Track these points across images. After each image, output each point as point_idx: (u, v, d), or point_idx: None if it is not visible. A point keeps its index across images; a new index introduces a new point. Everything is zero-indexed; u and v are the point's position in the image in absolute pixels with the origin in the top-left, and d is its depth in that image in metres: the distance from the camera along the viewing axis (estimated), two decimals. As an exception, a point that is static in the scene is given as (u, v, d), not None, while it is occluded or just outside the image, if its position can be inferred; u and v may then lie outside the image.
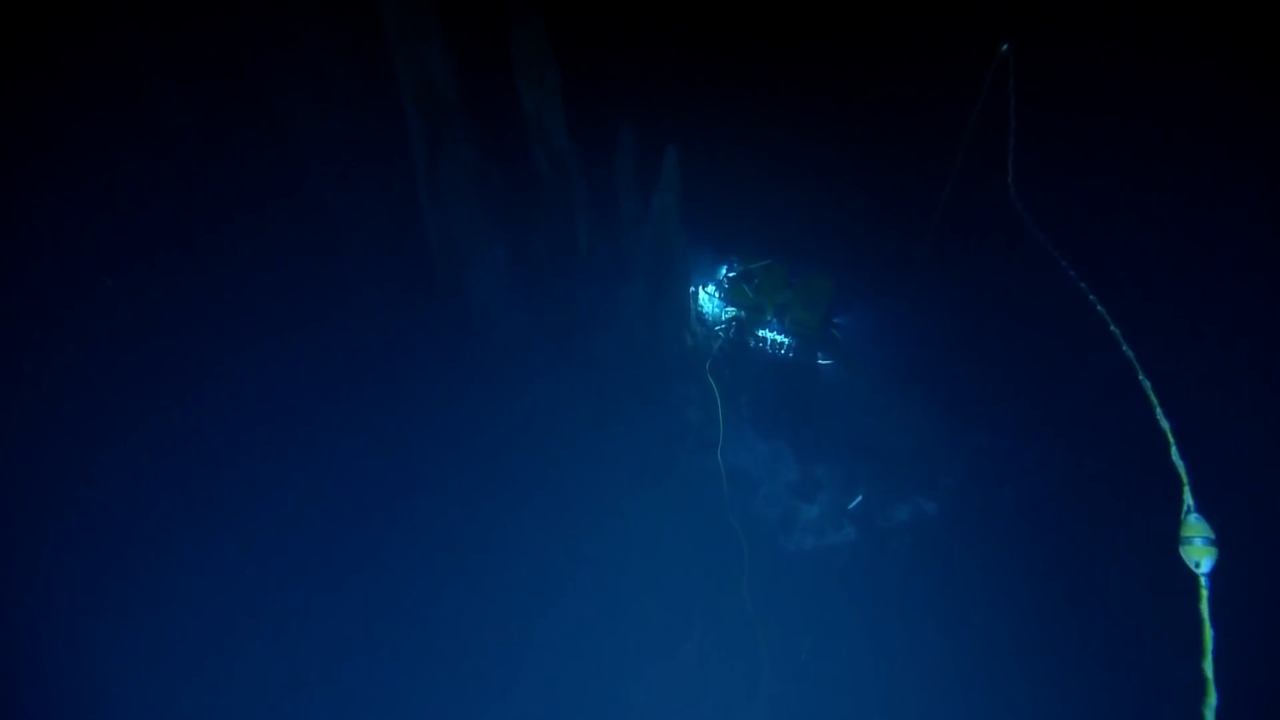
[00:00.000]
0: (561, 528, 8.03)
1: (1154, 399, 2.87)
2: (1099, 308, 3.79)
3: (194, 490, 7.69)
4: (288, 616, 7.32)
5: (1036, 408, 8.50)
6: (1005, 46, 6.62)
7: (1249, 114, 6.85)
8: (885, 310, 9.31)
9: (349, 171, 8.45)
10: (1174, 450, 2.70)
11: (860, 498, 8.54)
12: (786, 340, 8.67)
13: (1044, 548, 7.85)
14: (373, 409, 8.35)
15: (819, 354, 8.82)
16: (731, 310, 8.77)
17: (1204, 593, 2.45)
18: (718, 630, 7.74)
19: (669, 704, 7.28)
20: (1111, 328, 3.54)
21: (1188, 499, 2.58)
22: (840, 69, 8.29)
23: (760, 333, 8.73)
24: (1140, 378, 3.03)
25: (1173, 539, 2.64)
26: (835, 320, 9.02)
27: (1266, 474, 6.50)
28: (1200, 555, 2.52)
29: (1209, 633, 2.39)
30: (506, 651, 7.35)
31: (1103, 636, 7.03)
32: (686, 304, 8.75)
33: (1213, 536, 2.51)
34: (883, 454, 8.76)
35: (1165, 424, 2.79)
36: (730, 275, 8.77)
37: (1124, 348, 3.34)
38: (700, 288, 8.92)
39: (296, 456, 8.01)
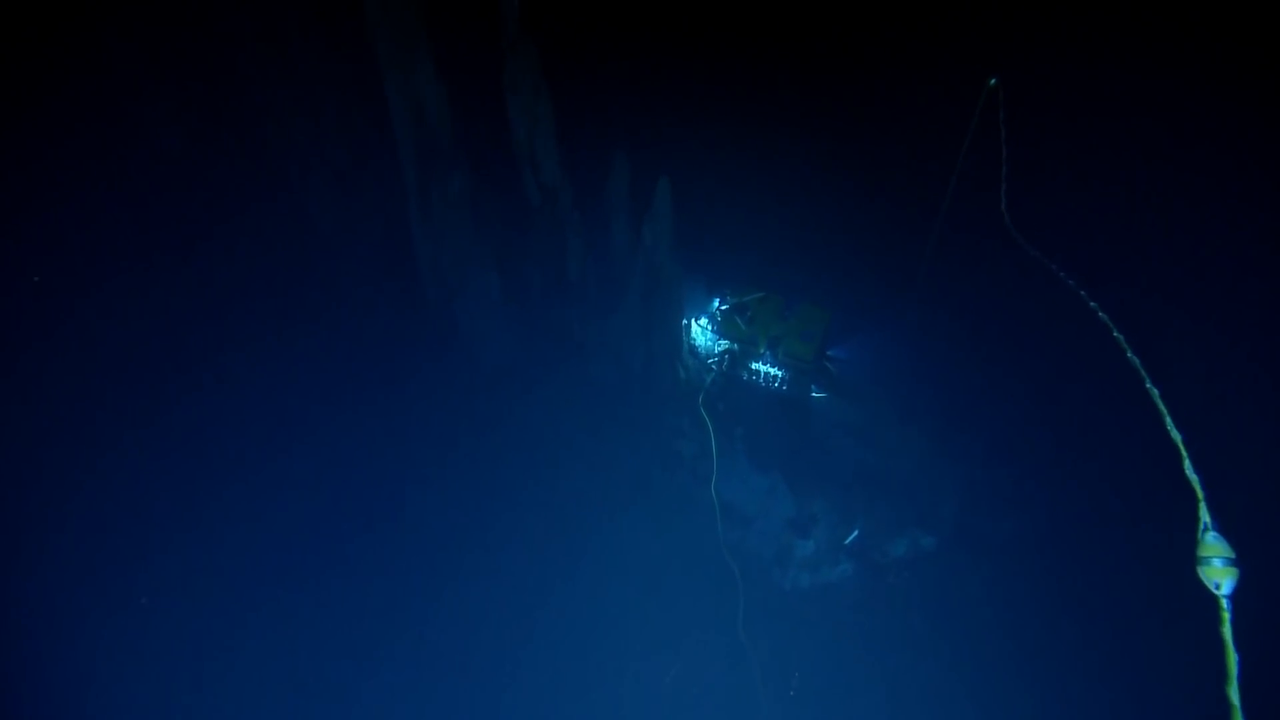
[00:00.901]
0: (553, 561, 7.85)
1: (1163, 407, 2.76)
2: (1100, 314, 3.70)
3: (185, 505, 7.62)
4: (271, 630, 7.21)
5: (1035, 438, 8.40)
6: (993, 80, 6.71)
7: (1246, 129, 6.88)
8: (880, 342, 9.27)
9: (341, 199, 8.44)
10: (1187, 464, 2.59)
11: (857, 532, 8.38)
12: (780, 373, 8.59)
13: (1046, 580, 7.70)
14: (361, 438, 8.23)
15: (813, 387, 8.73)
16: (724, 343, 8.70)
17: (1226, 615, 2.31)
18: (712, 667, 7.53)
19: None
20: (1114, 334, 3.45)
21: (1204, 516, 2.46)
22: (834, 102, 8.38)
23: (754, 366, 8.65)
24: (1147, 385, 2.93)
25: (1188, 560, 2.51)
26: (829, 353, 8.98)
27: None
28: (1220, 576, 2.38)
29: (1233, 657, 2.25)
30: (488, 686, 7.14)
31: (1115, 669, 6.84)
32: (679, 336, 8.68)
33: (1233, 555, 2.38)
34: (879, 487, 8.63)
35: (1176, 435, 2.68)
36: (723, 308, 8.73)
37: (1128, 354, 3.24)
38: (693, 320, 8.87)
39: (286, 486, 7.88)
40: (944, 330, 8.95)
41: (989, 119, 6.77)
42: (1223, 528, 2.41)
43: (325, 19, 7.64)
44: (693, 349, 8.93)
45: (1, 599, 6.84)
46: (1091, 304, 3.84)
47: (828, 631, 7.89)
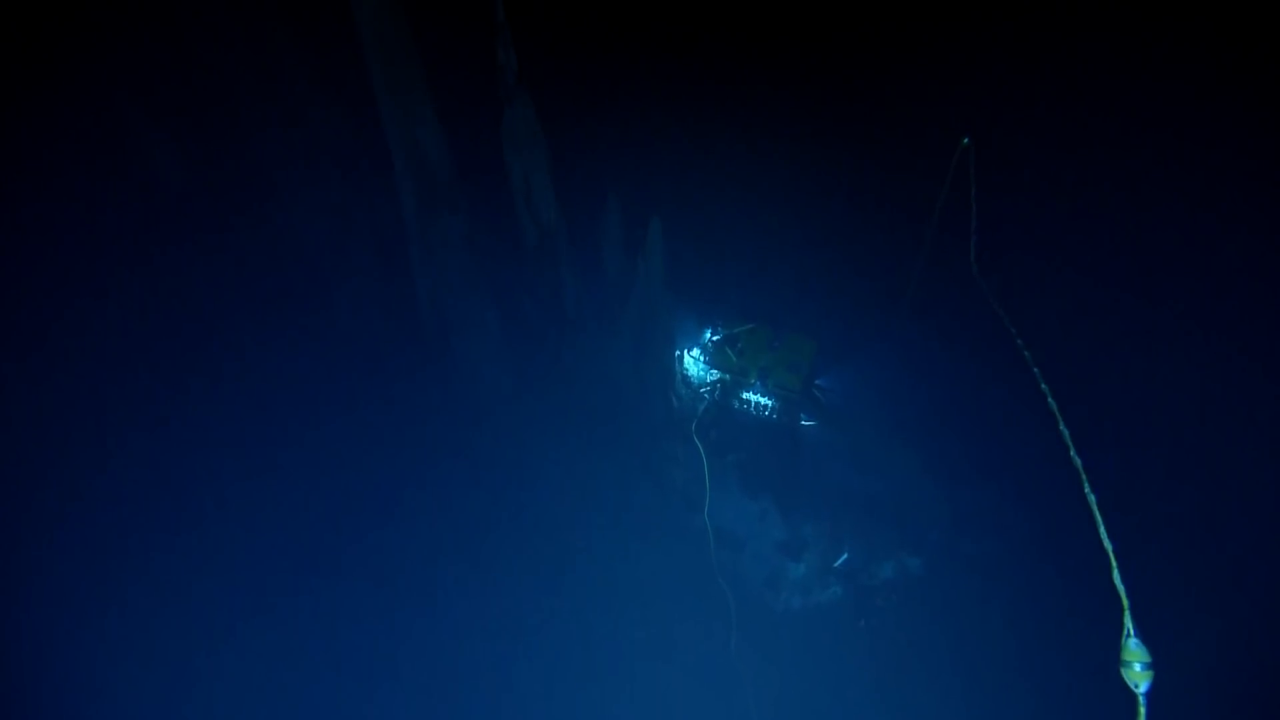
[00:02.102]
0: (549, 585, 8.12)
1: (1098, 516, 3.02)
2: (1050, 401, 3.95)
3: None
4: (265, 636, 7.52)
5: (1020, 463, 8.64)
6: (966, 140, 6.95)
7: (1219, 192, 7.15)
8: (866, 371, 9.52)
9: (341, 240, 8.67)
10: (1115, 573, 2.86)
11: (846, 555, 8.66)
12: (770, 402, 8.86)
13: (1030, 604, 7.95)
14: (359, 467, 8.49)
15: (802, 415, 9.00)
16: (715, 373, 8.96)
17: (1142, 711, 2.60)
18: (705, 687, 7.80)
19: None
20: (1060, 427, 3.70)
21: (1128, 623, 2.74)
22: (818, 143, 8.61)
23: (744, 395, 8.92)
24: (1085, 490, 3.19)
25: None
26: (817, 382, 9.24)
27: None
28: (1139, 679, 2.67)
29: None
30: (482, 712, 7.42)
31: (1097, 693, 7.08)
32: (672, 367, 8.94)
33: (1149, 660, 2.66)
34: (867, 511, 8.90)
35: (1108, 544, 2.95)
36: (714, 339, 8.99)
37: (1071, 452, 3.49)
38: (685, 351, 9.12)
39: (287, 510, 8.16)
40: (928, 358, 9.20)
41: (963, 178, 7.01)
42: (1143, 634, 2.70)
43: (328, 73, 7.86)
44: (685, 379, 9.18)
45: (1, 599, 7.03)
46: (1050, 400, 4.08)
47: (819, 651, 8.17)
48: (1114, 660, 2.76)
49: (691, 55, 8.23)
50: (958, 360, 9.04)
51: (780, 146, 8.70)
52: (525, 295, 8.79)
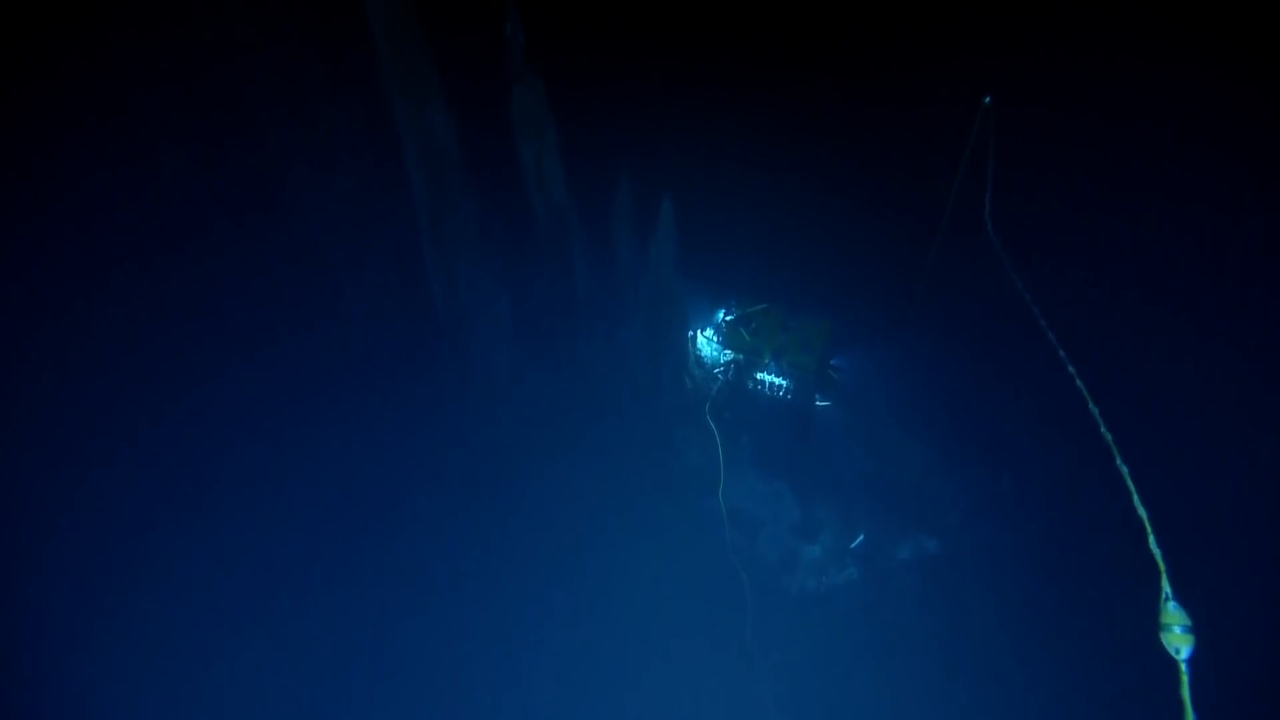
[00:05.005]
0: (562, 569, 8.12)
1: (1131, 485, 2.96)
2: (1077, 382, 3.88)
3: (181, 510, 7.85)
4: (272, 635, 7.52)
5: (1040, 445, 8.55)
6: (988, 99, 6.84)
7: (1238, 157, 6.99)
8: (882, 350, 9.44)
9: (353, 226, 8.64)
10: (1151, 539, 2.80)
11: (862, 537, 8.63)
12: (784, 383, 8.79)
13: (1048, 587, 7.89)
14: (371, 455, 8.48)
15: (817, 395, 8.93)
16: (729, 354, 8.89)
17: (1184, 678, 2.54)
18: (721, 669, 7.80)
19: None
20: (1091, 407, 3.63)
21: (1166, 587, 2.68)
22: (833, 117, 8.49)
23: (758, 375, 8.85)
24: (1118, 462, 3.13)
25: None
26: (833, 362, 9.16)
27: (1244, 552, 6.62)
28: (1180, 642, 2.61)
29: (1191, 717, 2.47)
30: (498, 694, 7.45)
31: (1113, 679, 7.05)
32: (685, 348, 8.89)
33: (1190, 624, 2.60)
34: (883, 493, 8.86)
35: (1143, 511, 2.89)
36: (728, 319, 8.91)
37: (1101, 429, 3.43)
38: (698, 332, 9.06)
39: (296, 499, 8.16)
40: (946, 338, 9.10)
41: (984, 133, 6.91)
42: (1181, 598, 2.64)
43: (336, 58, 7.80)
44: (699, 360, 9.13)
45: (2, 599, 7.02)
46: (1071, 370, 4.01)
47: (834, 634, 8.15)
48: (1151, 631, 2.69)
49: (702, 31, 8.12)
50: (975, 340, 8.94)
51: (794, 123, 8.58)
52: (537, 280, 8.76)
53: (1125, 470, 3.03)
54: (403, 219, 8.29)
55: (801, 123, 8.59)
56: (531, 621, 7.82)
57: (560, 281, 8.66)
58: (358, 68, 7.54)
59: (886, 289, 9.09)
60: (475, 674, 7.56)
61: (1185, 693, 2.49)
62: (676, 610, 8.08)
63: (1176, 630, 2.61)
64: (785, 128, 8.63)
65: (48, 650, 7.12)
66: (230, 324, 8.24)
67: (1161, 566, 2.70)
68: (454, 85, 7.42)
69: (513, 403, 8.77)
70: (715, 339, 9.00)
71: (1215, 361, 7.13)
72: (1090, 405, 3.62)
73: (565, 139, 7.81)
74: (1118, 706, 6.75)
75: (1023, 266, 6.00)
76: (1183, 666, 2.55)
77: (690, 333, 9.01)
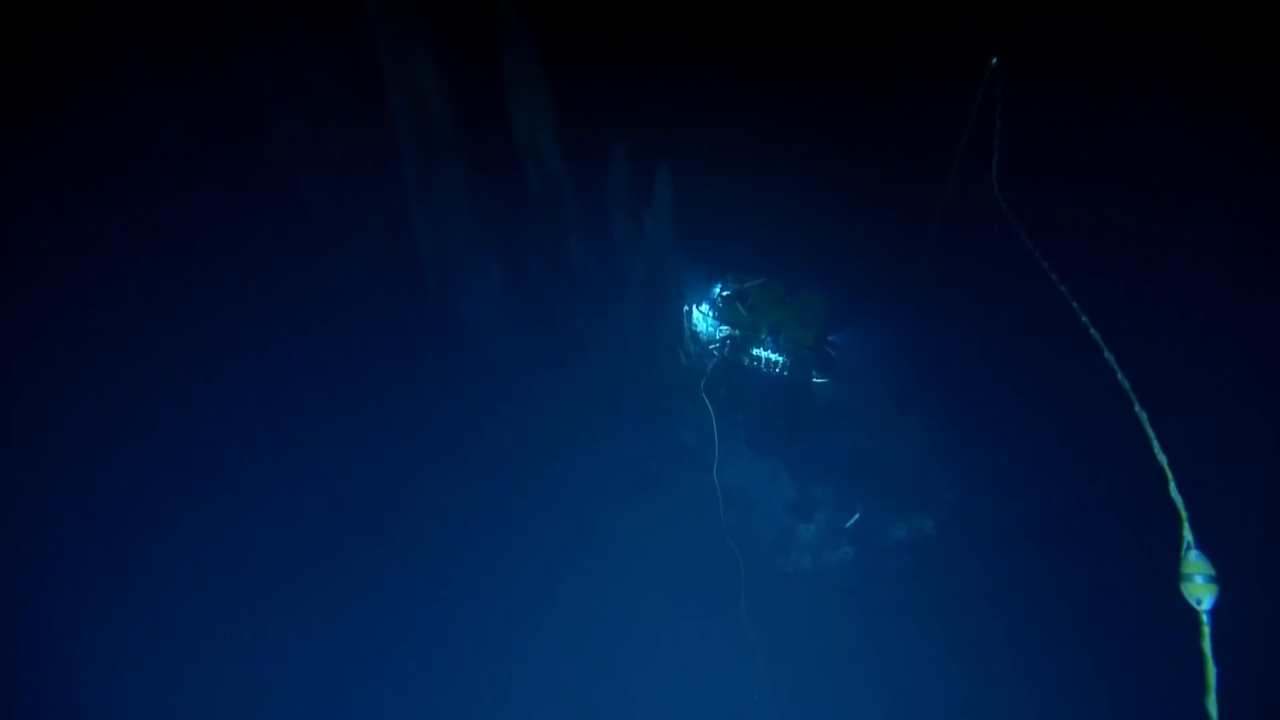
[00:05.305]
0: (554, 549, 7.98)
1: (1150, 431, 2.83)
2: (1092, 332, 3.74)
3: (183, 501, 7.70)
4: (274, 629, 7.34)
5: (1038, 425, 8.45)
6: (995, 60, 6.69)
7: (1246, 118, 6.85)
8: (881, 328, 9.31)
9: (342, 193, 8.45)
10: (1172, 485, 2.66)
11: (858, 516, 8.50)
12: (781, 359, 8.65)
13: (1045, 568, 7.79)
14: (364, 428, 8.31)
15: (814, 372, 8.80)
16: (726, 329, 8.75)
17: (1206, 630, 2.40)
18: (715, 649, 7.69)
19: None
20: (1106, 354, 3.49)
21: (1187, 535, 2.54)
22: (834, 89, 8.33)
23: (755, 351, 8.71)
24: (1136, 409, 2.99)
25: (1175, 564, 2.60)
26: (830, 339, 9.02)
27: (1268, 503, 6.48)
28: (1201, 592, 2.48)
29: (1212, 670, 2.35)
30: (492, 675, 7.29)
31: (1106, 660, 6.96)
32: (680, 323, 8.74)
33: (1213, 573, 2.47)
34: (880, 472, 8.73)
35: (1163, 458, 2.75)
36: (724, 294, 8.76)
37: (1119, 375, 3.29)
38: (694, 307, 8.92)
39: (287, 482, 7.98)
40: (944, 316, 8.97)
41: (989, 101, 6.76)
42: (1204, 546, 2.50)
43: (325, 16, 7.59)
44: (694, 335, 8.99)
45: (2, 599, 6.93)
46: (1083, 318, 3.87)
47: (830, 613, 8.03)
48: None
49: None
50: (976, 319, 8.81)
51: (796, 88, 8.41)
52: (530, 251, 8.59)
53: (1144, 416, 2.90)
54: (392, 187, 8.11)
55: (804, 93, 8.42)
56: (520, 600, 7.68)
57: (553, 251, 8.50)
58: (346, 25, 7.34)
59: (887, 266, 8.94)
60: (469, 641, 7.42)
61: (1206, 645, 2.36)
62: (670, 589, 7.95)
63: (1199, 580, 2.47)
64: (787, 98, 8.46)
65: (48, 650, 6.98)
66: (212, 289, 8.09)
67: (1184, 514, 2.56)
68: (446, 47, 7.22)
69: (503, 377, 8.61)
70: (711, 314, 8.85)
71: (1232, 318, 6.98)
72: (1105, 353, 3.47)
73: (560, 105, 7.62)
74: (1118, 693, 6.65)
75: (1033, 231, 5.84)
76: (1204, 618, 2.42)
77: (686, 307, 8.86)
